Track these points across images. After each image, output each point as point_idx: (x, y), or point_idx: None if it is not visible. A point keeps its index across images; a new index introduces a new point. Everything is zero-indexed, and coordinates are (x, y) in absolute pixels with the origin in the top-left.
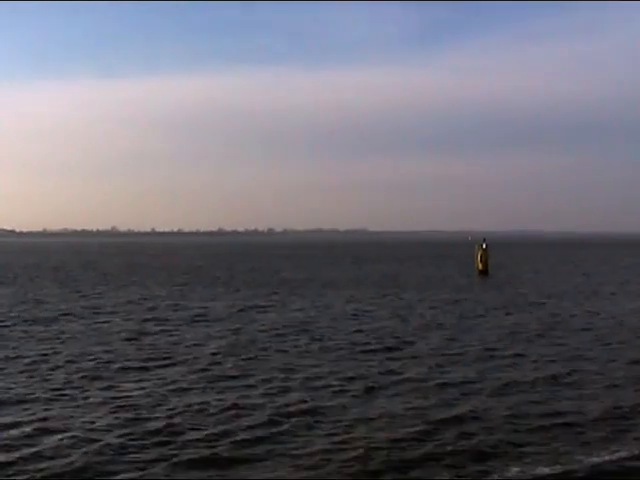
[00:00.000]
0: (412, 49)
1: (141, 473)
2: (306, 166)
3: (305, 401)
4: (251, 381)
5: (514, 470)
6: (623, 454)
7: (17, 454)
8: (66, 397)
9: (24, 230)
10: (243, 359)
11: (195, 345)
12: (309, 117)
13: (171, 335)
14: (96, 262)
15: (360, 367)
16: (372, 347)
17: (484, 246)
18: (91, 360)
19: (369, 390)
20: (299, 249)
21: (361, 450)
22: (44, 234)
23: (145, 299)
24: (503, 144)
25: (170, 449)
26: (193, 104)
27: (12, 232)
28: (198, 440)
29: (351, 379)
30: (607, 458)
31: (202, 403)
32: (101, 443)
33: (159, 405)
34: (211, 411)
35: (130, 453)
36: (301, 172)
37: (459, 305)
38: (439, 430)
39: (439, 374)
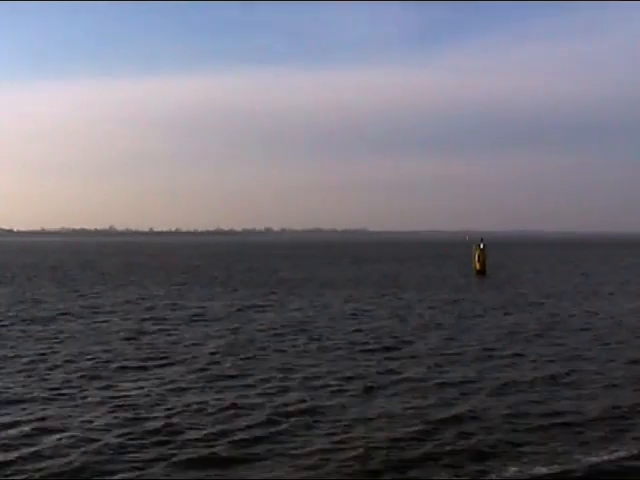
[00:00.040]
0: (412, 49)
1: (140, 473)
2: (306, 166)
3: (304, 401)
4: (250, 381)
5: (513, 470)
6: (622, 454)
7: (16, 454)
8: (64, 397)
9: (22, 229)
10: (241, 359)
11: (193, 345)
12: (309, 117)
13: (169, 335)
14: (94, 262)
15: (359, 367)
16: (371, 347)
17: (482, 246)
18: (89, 360)
19: (368, 390)
20: (297, 249)
21: (360, 450)
22: (42, 233)
23: (143, 299)
24: (503, 144)
25: (169, 449)
26: (193, 104)
27: (10, 231)
28: (197, 440)
29: (350, 379)
30: (606, 458)
31: (201, 403)
32: (100, 443)
33: (158, 405)
34: (210, 411)
35: (129, 453)
36: (301, 172)
37: (458, 305)
38: (438, 430)
39: (438, 374)
